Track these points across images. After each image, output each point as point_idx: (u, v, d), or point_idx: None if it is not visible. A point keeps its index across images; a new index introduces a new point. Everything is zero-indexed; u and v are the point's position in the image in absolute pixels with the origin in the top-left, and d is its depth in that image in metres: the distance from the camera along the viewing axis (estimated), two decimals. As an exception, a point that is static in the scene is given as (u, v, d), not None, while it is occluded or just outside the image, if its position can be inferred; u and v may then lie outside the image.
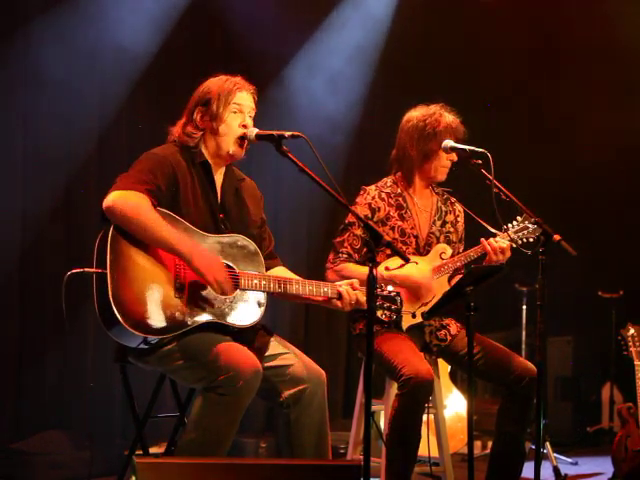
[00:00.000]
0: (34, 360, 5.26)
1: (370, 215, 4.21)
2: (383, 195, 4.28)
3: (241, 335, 3.51)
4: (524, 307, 6.74)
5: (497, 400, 4.40)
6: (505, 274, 3.84)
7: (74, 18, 5.35)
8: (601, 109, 7.17)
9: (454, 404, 5.77)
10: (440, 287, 4.18)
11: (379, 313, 3.63)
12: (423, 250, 4.28)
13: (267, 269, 3.66)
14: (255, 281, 3.52)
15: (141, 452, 3.61)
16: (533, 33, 7.14)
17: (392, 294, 3.66)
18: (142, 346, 3.38)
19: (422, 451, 4.08)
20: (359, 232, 4.19)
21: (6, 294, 5.18)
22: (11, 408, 5.21)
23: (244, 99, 3.64)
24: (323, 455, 3.55)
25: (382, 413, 4.48)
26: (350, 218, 4.19)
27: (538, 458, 3.71)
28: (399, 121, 4.36)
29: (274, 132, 3.51)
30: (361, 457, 3.24)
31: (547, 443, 5.64)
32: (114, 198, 3.36)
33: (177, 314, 3.38)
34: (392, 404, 4.03)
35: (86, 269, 3.34)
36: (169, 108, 3.89)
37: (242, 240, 3.58)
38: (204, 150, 3.65)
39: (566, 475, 5.40)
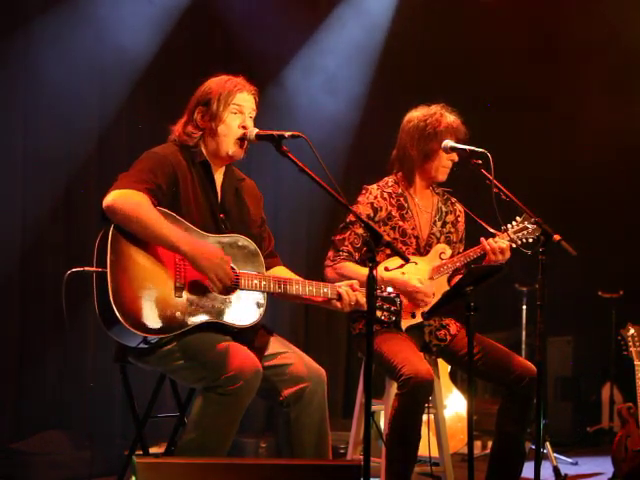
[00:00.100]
0: (34, 360, 5.27)
1: (372, 214, 4.21)
2: (385, 195, 4.28)
3: (241, 335, 3.51)
4: (524, 307, 6.74)
5: (497, 400, 4.40)
6: (505, 274, 3.84)
7: (74, 18, 5.35)
8: (601, 109, 7.16)
9: (454, 404, 5.77)
10: (440, 287, 4.18)
11: (378, 314, 3.63)
12: (423, 250, 4.28)
13: (267, 268, 3.66)
14: (255, 281, 3.52)
15: (141, 452, 3.61)
16: (533, 33, 7.14)
17: (392, 295, 3.66)
18: (142, 345, 3.38)
19: (422, 451, 4.08)
20: (360, 231, 4.19)
21: (6, 294, 5.18)
22: (11, 408, 5.21)
23: (244, 100, 3.64)
24: (323, 454, 3.55)
25: (382, 413, 4.48)
26: (352, 217, 4.19)
27: (538, 458, 3.72)
28: (399, 121, 4.36)
29: (274, 132, 3.51)
30: (361, 457, 3.24)
31: (547, 443, 5.64)
32: (114, 197, 3.36)
33: (177, 314, 3.38)
34: (392, 404, 4.03)
35: (86, 268, 3.34)
36: (169, 108, 3.89)
37: (242, 240, 3.58)
38: (204, 150, 3.65)
39: (566, 475, 5.40)
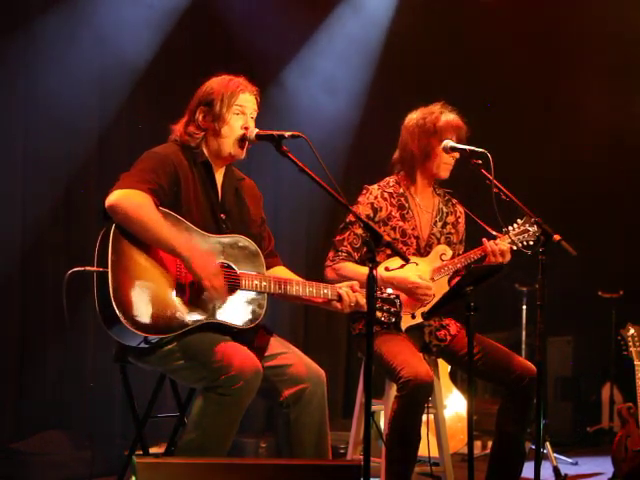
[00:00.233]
0: (34, 360, 5.27)
1: (372, 214, 4.21)
2: (385, 195, 4.28)
3: (241, 335, 3.51)
4: (524, 307, 6.74)
5: (497, 400, 4.41)
6: (505, 274, 3.84)
7: (74, 18, 5.35)
8: (601, 109, 7.17)
9: (454, 404, 5.77)
10: (440, 288, 4.17)
11: (378, 315, 3.63)
12: (424, 251, 4.28)
13: (267, 268, 3.66)
14: (256, 282, 3.52)
15: (141, 452, 3.61)
16: (533, 33, 7.13)
17: (392, 297, 3.66)
18: (143, 345, 3.38)
19: (422, 451, 4.08)
20: (360, 231, 4.19)
21: (7, 294, 5.18)
22: (11, 408, 5.21)
23: (247, 101, 3.64)
24: (323, 455, 3.55)
25: (382, 413, 4.48)
26: (352, 217, 4.19)
27: (538, 458, 3.72)
28: (399, 121, 4.37)
29: (274, 132, 3.51)
30: (361, 457, 3.24)
31: (547, 443, 5.64)
32: (117, 197, 3.36)
33: (178, 314, 3.38)
34: (392, 406, 4.03)
35: (87, 268, 3.34)
36: (169, 108, 3.89)
37: (243, 241, 3.58)
38: (205, 150, 3.65)
39: (566, 475, 5.40)
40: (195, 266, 3.36)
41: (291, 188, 6.37)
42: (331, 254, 4.23)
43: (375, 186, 4.32)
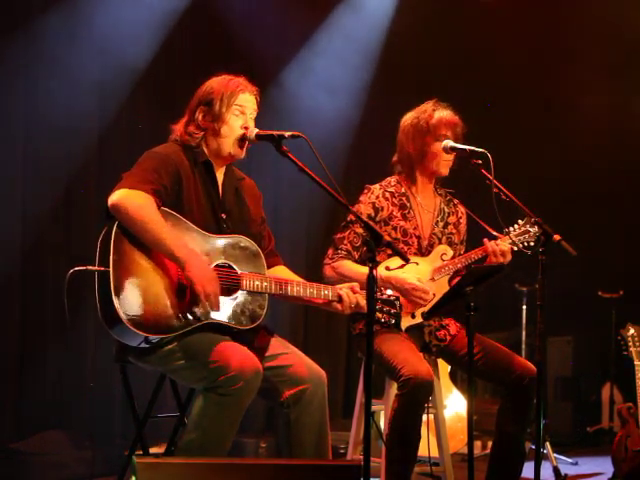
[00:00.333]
0: (34, 360, 5.26)
1: (373, 214, 4.21)
2: (387, 194, 4.28)
3: (241, 335, 3.51)
4: (524, 307, 6.74)
5: (497, 400, 4.41)
6: (505, 274, 3.84)
7: (74, 18, 5.35)
8: (601, 109, 7.17)
9: (454, 404, 5.77)
10: (441, 288, 4.17)
11: (378, 316, 3.63)
12: (425, 251, 4.28)
13: (267, 267, 3.66)
14: (256, 282, 3.52)
15: (141, 452, 3.61)
16: (533, 33, 7.13)
17: (391, 298, 3.65)
18: (143, 345, 3.38)
19: (422, 451, 4.07)
20: (360, 230, 4.18)
21: (6, 294, 5.18)
22: (11, 408, 5.21)
23: (246, 100, 3.64)
24: (323, 455, 3.55)
25: (382, 413, 4.48)
26: (352, 216, 4.19)
27: (538, 458, 3.72)
28: (399, 121, 4.37)
29: (274, 132, 3.51)
30: (361, 457, 3.24)
31: (547, 443, 5.64)
32: (120, 196, 3.36)
33: (179, 314, 3.38)
34: (392, 405, 4.03)
35: (89, 267, 3.34)
36: (169, 108, 3.90)
37: (244, 241, 3.58)
38: (205, 149, 3.65)
39: (566, 475, 5.40)
40: (190, 271, 3.34)
41: (291, 188, 6.37)
42: (330, 252, 4.23)
43: (377, 186, 4.32)
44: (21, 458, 4.98)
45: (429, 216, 4.34)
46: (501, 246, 4.14)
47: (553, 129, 7.33)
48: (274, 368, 3.53)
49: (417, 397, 3.94)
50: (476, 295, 3.75)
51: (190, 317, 3.39)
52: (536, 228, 4.10)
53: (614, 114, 7.31)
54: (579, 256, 3.68)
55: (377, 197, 4.26)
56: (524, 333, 6.71)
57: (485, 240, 4.17)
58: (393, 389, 4.15)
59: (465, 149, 4.11)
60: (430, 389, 4.00)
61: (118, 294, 3.28)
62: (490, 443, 4.55)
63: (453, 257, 4.27)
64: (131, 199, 3.35)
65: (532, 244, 4.19)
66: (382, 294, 3.65)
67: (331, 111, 6.45)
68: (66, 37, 5.32)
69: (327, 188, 3.36)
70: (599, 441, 6.83)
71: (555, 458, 5.62)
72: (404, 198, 4.31)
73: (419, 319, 4.19)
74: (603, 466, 5.65)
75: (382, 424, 4.59)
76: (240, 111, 3.62)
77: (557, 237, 3.69)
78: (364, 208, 4.22)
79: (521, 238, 4.20)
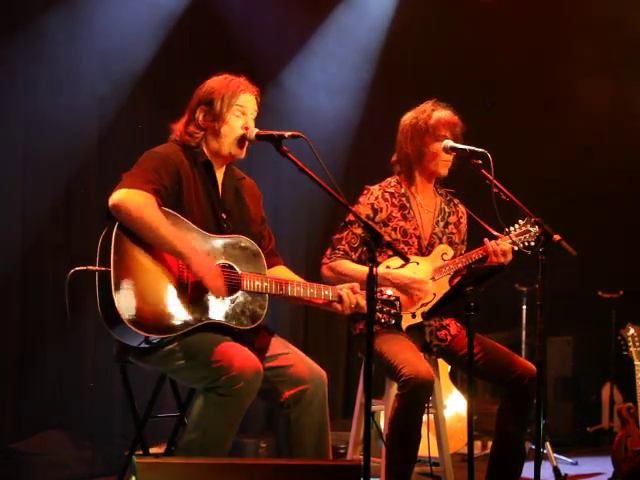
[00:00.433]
0: (34, 360, 5.26)
1: (372, 215, 4.21)
2: (386, 195, 4.28)
3: (242, 335, 3.51)
4: (524, 307, 6.74)
5: (497, 400, 4.40)
6: (505, 274, 3.84)
7: (74, 18, 5.35)
8: (602, 109, 7.17)
9: (454, 404, 5.77)
10: (441, 288, 4.17)
11: (378, 316, 3.62)
12: (425, 251, 4.28)
13: (268, 267, 3.66)
14: (257, 282, 3.52)
15: (141, 452, 3.61)
16: (533, 33, 7.14)
17: (391, 298, 3.65)
18: (143, 345, 3.38)
19: (422, 451, 4.07)
20: (358, 231, 4.19)
21: (6, 294, 5.18)
22: (11, 408, 5.21)
23: (247, 101, 3.64)
24: (323, 455, 3.55)
25: (382, 413, 4.48)
26: (351, 216, 4.19)
27: (538, 458, 3.72)
28: (399, 121, 4.37)
29: (274, 132, 3.51)
30: (361, 457, 3.24)
31: (547, 443, 5.64)
32: (121, 196, 3.36)
33: (179, 314, 3.38)
34: (392, 404, 4.03)
35: (90, 267, 3.34)
36: (169, 108, 3.89)
37: (245, 241, 3.58)
38: (205, 149, 3.65)
39: (566, 475, 5.40)
40: (197, 267, 3.36)
41: (291, 188, 6.37)
42: (328, 252, 4.24)
43: (376, 186, 4.32)
44: (21, 458, 4.98)
45: (429, 216, 4.34)
46: (502, 246, 4.14)
47: (553, 129, 7.33)
48: (274, 368, 3.53)
49: (418, 397, 3.94)
50: (476, 295, 3.75)
51: (191, 316, 3.39)
52: (536, 228, 4.10)
53: (614, 114, 7.31)
54: (579, 256, 3.68)
55: (376, 198, 4.26)
56: (524, 333, 6.71)
57: (485, 240, 4.17)
58: (393, 389, 4.15)
59: (465, 149, 4.11)
60: (430, 389, 4.00)
61: (119, 294, 3.28)
62: (490, 443, 4.55)
63: (454, 257, 4.27)
64: (132, 199, 3.35)
65: (532, 244, 4.19)
66: (382, 294, 3.64)
67: (331, 111, 6.45)
68: (66, 37, 5.33)
69: (327, 188, 3.36)
70: (599, 441, 6.83)
71: (555, 458, 5.62)
72: (404, 198, 4.31)
73: (419, 319, 4.19)
74: (603, 466, 5.65)
75: (382, 424, 4.59)
76: (241, 111, 3.62)
77: (557, 237, 3.70)
78: (363, 209, 4.22)
79: (521, 238, 4.20)
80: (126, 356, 3.52)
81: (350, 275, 4.02)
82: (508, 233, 4.18)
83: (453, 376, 5.89)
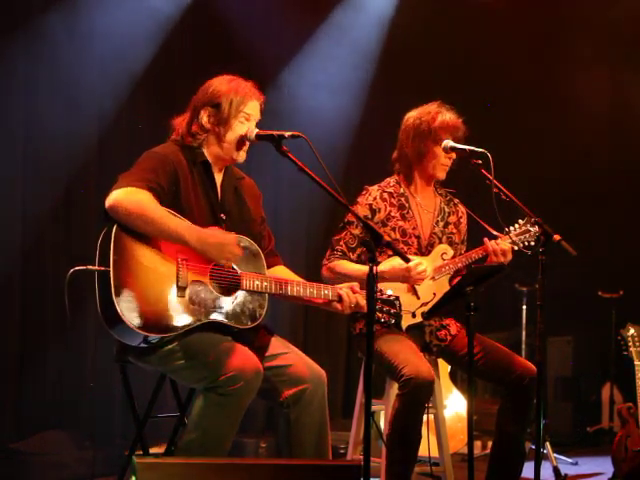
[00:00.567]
0: (34, 360, 5.26)
1: (370, 216, 4.21)
2: (385, 195, 4.28)
3: (241, 335, 3.51)
4: (524, 307, 6.74)
5: (497, 400, 4.41)
6: (505, 274, 3.84)
7: (74, 17, 5.35)
8: (602, 109, 7.17)
9: (454, 404, 5.77)
10: (441, 288, 4.17)
11: (378, 316, 3.63)
12: (425, 250, 4.28)
13: (267, 267, 3.66)
14: (257, 282, 3.52)
15: (141, 452, 3.61)
16: (533, 33, 7.14)
17: (391, 298, 3.65)
18: (142, 345, 3.38)
19: (422, 451, 4.08)
20: (357, 231, 4.19)
21: (6, 294, 5.18)
22: (11, 408, 5.21)
23: (253, 108, 3.63)
24: (323, 455, 3.55)
25: (382, 413, 4.48)
26: (349, 217, 4.20)
27: (538, 458, 3.72)
28: (399, 121, 4.37)
29: (274, 132, 3.51)
30: (361, 457, 3.24)
31: (547, 443, 5.64)
32: (116, 196, 3.35)
33: (179, 314, 3.38)
34: (392, 404, 4.03)
35: (89, 267, 3.33)
36: (169, 108, 3.89)
37: (244, 241, 3.58)
38: (206, 151, 3.64)
39: (566, 475, 5.40)
40: (206, 252, 3.38)
41: (291, 188, 6.37)
42: (328, 253, 4.25)
43: (375, 187, 4.32)
44: (21, 458, 4.98)
45: (429, 216, 4.34)
46: (501, 245, 4.14)
47: (553, 129, 7.33)
48: (274, 368, 3.53)
49: (418, 397, 3.94)
50: (476, 295, 3.75)
51: (191, 316, 3.39)
52: (536, 228, 4.10)
53: (614, 114, 7.31)
54: (579, 256, 3.68)
55: (374, 198, 4.26)
56: (524, 333, 6.71)
57: (485, 239, 4.17)
58: (393, 389, 4.15)
59: (465, 149, 4.11)
60: (431, 389, 4.00)
61: (118, 294, 3.28)
62: (490, 443, 4.55)
63: (453, 257, 4.27)
64: (128, 197, 3.35)
65: (532, 244, 4.19)
66: (382, 294, 3.65)
67: (331, 111, 6.45)
68: (66, 37, 5.32)
69: (327, 188, 3.36)
70: (599, 441, 6.83)
71: (555, 458, 5.62)
72: (403, 198, 4.30)
73: (419, 318, 4.19)
74: (603, 466, 5.65)
75: (382, 424, 4.59)
76: (246, 118, 3.61)
77: (557, 237, 3.70)
78: (361, 209, 4.22)
79: (521, 238, 4.20)
80: (126, 356, 3.52)
81: (349, 275, 4.02)
82: (508, 233, 4.18)
83: (453, 376, 5.89)
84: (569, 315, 6.94)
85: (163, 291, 3.37)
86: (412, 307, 4.17)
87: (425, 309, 4.16)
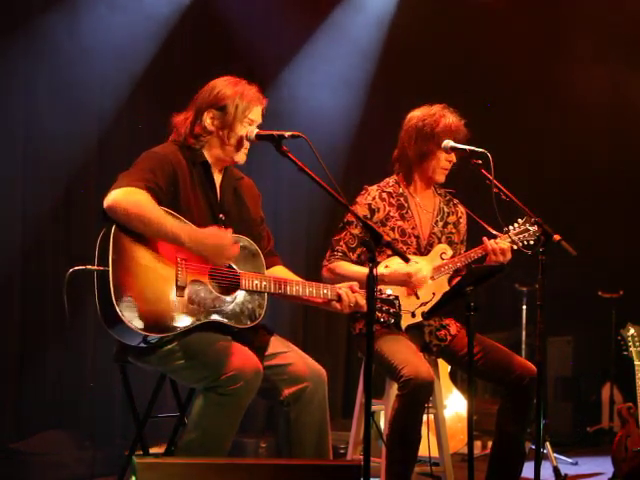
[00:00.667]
0: (34, 360, 5.26)
1: (369, 215, 4.21)
2: (384, 195, 4.28)
3: (241, 335, 3.51)
4: (524, 307, 6.74)
5: (497, 400, 4.41)
6: (505, 274, 3.84)
7: (74, 17, 5.35)
8: (602, 109, 7.17)
9: (454, 404, 5.77)
10: (440, 287, 4.18)
11: (378, 315, 3.63)
12: (424, 250, 4.28)
13: (266, 268, 3.66)
14: (256, 282, 3.52)
15: (141, 452, 3.61)
16: (533, 33, 7.14)
17: (391, 297, 3.65)
18: (142, 345, 3.38)
19: (422, 451, 4.08)
20: (356, 231, 4.19)
21: (6, 294, 5.18)
22: (11, 408, 5.21)
23: (258, 114, 3.64)
24: (323, 454, 3.55)
25: (382, 413, 4.48)
26: (349, 217, 4.20)
27: (538, 458, 3.72)
28: (399, 121, 4.36)
29: (274, 132, 3.51)
30: (361, 457, 3.24)
31: (547, 443, 5.64)
32: (115, 196, 3.35)
33: (178, 313, 3.38)
34: (392, 405, 4.03)
35: (88, 266, 3.33)
36: (169, 108, 3.89)
37: (243, 241, 3.58)
38: (206, 152, 3.64)
39: (566, 475, 5.40)
40: (203, 253, 3.39)
41: (291, 188, 6.37)
42: (328, 254, 4.24)
43: (374, 187, 4.32)
44: (21, 458, 4.98)
45: (428, 216, 4.34)
46: (500, 244, 4.14)
47: (553, 129, 7.33)
48: (274, 367, 3.53)
49: (418, 397, 3.94)
50: (476, 295, 3.75)
51: (191, 316, 3.39)
52: (535, 227, 4.10)
53: (614, 114, 7.31)
54: (579, 256, 3.68)
55: (373, 198, 4.26)
56: (524, 333, 6.71)
57: (484, 239, 4.17)
58: (393, 389, 4.15)
59: (465, 149, 4.11)
60: (431, 389, 4.00)
61: (117, 294, 3.28)
62: (490, 443, 4.55)
63: (453, 256, 4.27)
64: (127, 197, 3.35)
65: (532, 243, 4.19)
66: (381, 293, 3.65)
67: (331, 111, 6.45)
68: (66, 37, 5.32)
69: (327, 188, 3.36)
70: (599, 441, 6.83)
71: (555, 458, 5.62)
72: (402, 198, 4.30)
73: (419, 318, 4.19)
74: (603, 466, 5.65)
75: (382, 424, 4.59)
76: (249, 123, 3.62)
77: (557, 237, 3.70)
78: (360, 209, 4.21)
79: (521, 237, 4.20)
80: (126, 356, 3.52)
81: (349, 277, 4.02)
82: (507, 232, 4.18)
83: (453, 376, 5.89)
84: (569, 315, 6.94)
85: (162, 291, 3.37)
86: (412, 307, 4.17)
87: (425, 309, 4.16)
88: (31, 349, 5.28)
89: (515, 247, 4.18)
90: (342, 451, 5.52)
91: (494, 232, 4.18)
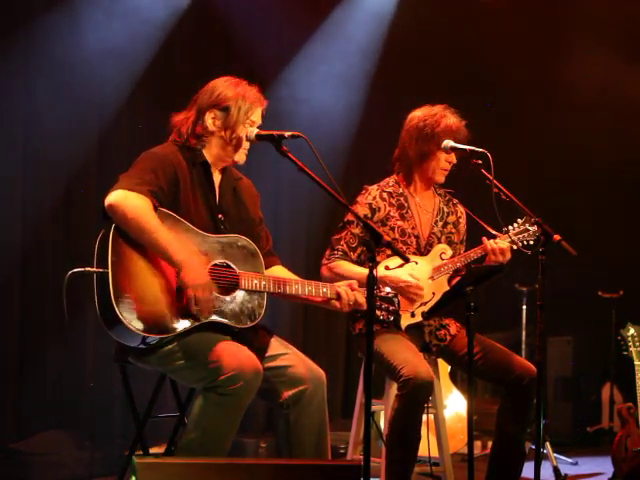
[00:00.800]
0: (34, 360, 5.26)
1: (370, 215, 4.21)
2: (384, 195, 4.28)
3: (241, 335, 3.51)
4: (524, 307, 6.74)
5: (497, 400, 4.40)
6: (505, 274, 3.84)
7: (74, 18, 5.35)
8: (602, 109, 7.16)
9: (454, 404, 5.77)
10: (440, 287, 4.17)
11: (377, 313, 3.62)
12: (424, 250, 4.28)
13: (265, 268, 3.66)
14: (255, 281, 3.52)
15: (141, 452, 3.61)
16: (533, 33, 7.14)
17: (390, 295, 3.65)
18: (141, 346, 3.38)
19: (422, 451, 4.08)
20: (357, 231, 4.19)
21: (6, 294, 5.19)
22: (11, 408, 5.21)
23: (258, 115, 3.65)
24: (322, 455, 3.55)
25: (382, 413, 4.48)
26: (349, 216, 4.19)
27: (538, 458, 3.72)
28: (399, 121, 4.36)
29: (274, 132, 3.51)
30: (361, 457, 3.24)
31: (547, 443, 5.64)
32: (116, 197, 3.35)
33: (178, 314, 3.38)
34: (392, 405, 4.03)
35: (87, 268, 3.33)
36: (169, 108, 3.89)
37: (242, 240, 3.58)
38: (206, 152, 3.64)
39: (566, 475, 5.41)
40: (185, 275, 3.34)
41: (291, 188, 6.37)
42: (327, 252, 4.24)
43: (374, 186, 4.32)
44: (21, 458, 4.98)
45: (428, 216, 4.34)
46: (500, 244, 4.14)
47: (553, 129, 7.33)
48: (274, 369, 3.53)
49: (417, 397, 3.94)
50: (476, 295, 3.75)
51: (187, 319, 3.39)
52: (535, 227, 4.10)
53: (614, 114, 7.30)
54: (579, 256, 3.68)
55: (374, 198, 4.26)
56: (524, 333, 6.71)
57: (484, 239, 4.17)
58: (393, 389, 4.15)
59: (465, 149, 4.11)
60: (430, 389, 4.00)
61: (117, 295, 3.28)
62: (490, 443, 4.55)
63: (452, 256, 4.27)
64: (128, 201, 3.35)
65: (531, 243, 4.18)
66: (381, 291, 3.65)
67: (331, 111, 6.45)
68: (66, 37, 5.32)
69: (327, 188, 3.36)
70: (599, 441, 6.83)
71: (555, 458, 5.62)
72: (402, 198, 4.30)
73: (419, 318, 4.19)
74: (603, 466, 5.65)
75: (382, 424, 4.59)
76: (250, 125, 3.62)
77: (557, 237, 3.70)
78: (360, 209, 4.21)
79: (520, 237, 4.20)
80: (126, 356, 3.52)
81: (348, 276, 4.01)
82: (507, 232, 4.18)
83: (453, 376, 5.89)
84: (569, 315, 6.94)
85: (162, 291, 3.37)
86: (411, 307, 4.17)
87: (424, 309, 4.16)
88: (31, 349, 5.28)
89: (515, 247, 4.18)
90: (342, 451, 5.52)
91: (494, 232, 4.18)
